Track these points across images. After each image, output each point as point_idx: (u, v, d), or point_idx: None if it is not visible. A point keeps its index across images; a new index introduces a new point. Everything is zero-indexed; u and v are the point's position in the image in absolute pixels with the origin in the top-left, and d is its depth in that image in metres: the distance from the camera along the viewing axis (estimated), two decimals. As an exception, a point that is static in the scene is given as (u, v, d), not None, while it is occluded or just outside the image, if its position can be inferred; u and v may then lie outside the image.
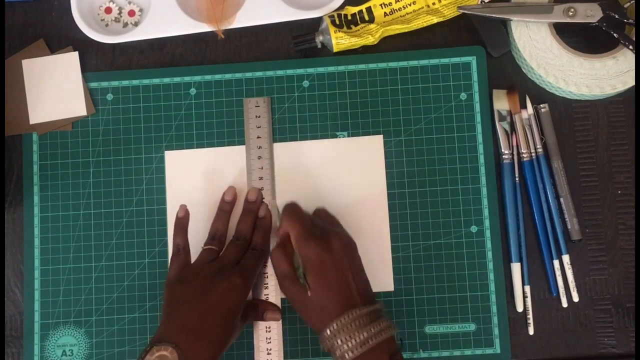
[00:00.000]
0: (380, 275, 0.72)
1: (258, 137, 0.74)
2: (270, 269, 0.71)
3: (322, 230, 0.65)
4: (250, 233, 0.71)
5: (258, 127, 0.74)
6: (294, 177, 0.74)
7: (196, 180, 0.74)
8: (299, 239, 0.64)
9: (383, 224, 0.73)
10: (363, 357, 0.59)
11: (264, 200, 0.73)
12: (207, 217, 0.73)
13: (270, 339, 0.71)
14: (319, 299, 0.63)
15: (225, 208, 0.72)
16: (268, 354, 0.71)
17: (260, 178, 0.74)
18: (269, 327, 0.71)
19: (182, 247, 0.70)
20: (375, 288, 0.67)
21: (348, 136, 0.75)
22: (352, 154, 0.74)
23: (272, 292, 0.72)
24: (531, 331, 0.72)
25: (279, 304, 0.72)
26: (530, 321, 0.72)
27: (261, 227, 0.72)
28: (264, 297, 0.72)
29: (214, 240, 0.70)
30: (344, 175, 0.74)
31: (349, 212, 0.72)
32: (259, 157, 0.74)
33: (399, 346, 0.65)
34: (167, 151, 0.74)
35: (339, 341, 0.60)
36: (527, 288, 0.72)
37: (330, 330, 0.60)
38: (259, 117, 0.75)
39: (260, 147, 0.74)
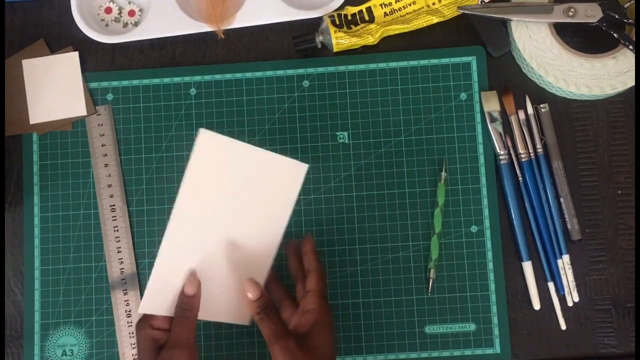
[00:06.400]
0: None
1: (103, 145, 0.75)
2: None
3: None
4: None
5: (102, 135, 0.75)
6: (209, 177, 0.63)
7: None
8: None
9: (268, 254, 0.64)
10: None
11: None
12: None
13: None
14: None
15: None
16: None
17: (109, 185, 0.74)
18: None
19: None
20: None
21: (348, 136, 0.75)
22: (272, 174, 0.64)
23: None
24: (563, 326, 0.72)
25: None
26: (560, 315, 0.72)
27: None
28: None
29: None
30: (255, 192, 0.64)
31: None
32: (106, 165, 0.74)
33: None
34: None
35: None
36: (551, 285, 0.72)
37: None
38: (101, 125, 0.75)
39: (105, 155, 0.74)
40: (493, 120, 0.73)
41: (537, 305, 0.72)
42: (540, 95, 0.75)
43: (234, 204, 0.63)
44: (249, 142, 0.75)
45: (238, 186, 0.64)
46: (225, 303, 0.63)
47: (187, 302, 0.60)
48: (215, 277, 0.63)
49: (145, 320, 0.60)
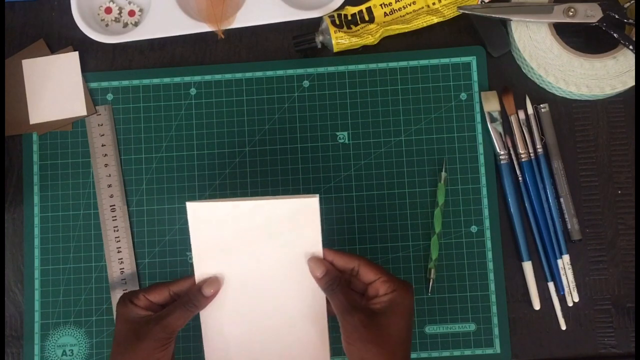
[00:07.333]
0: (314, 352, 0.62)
1: (103, 145, 0.75)
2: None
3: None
4: None
5: (102, 135, 0.75)
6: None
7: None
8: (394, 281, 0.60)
9: (319, 302, 0.61)
10: None
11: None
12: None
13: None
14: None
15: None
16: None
17: (109, 185, 0.74)
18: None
19: None
20: None
21: (348, 136, 0.75)
22: (283, 221, 0.60)
23: None
24: (563, 326, 0.72)
25: None
26: (560, 315, 0.72)
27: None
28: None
29: None
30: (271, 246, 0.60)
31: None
32: (105, 165, 0.74)
33: None
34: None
35: None
36: (551, 285, 0.72)
37: None
38: (101, 125, 0.75)
39: (105, 155, 0.74)
40: (493, 120, 0.73)
41: (537, 305, 0.72)
42: (540, 95, 0.75)
43: (259, 265, 0.60)
44: (249, 141, 0.75)
45: (254, 245, 0.60)
46: (297, 353, 0.62)
47: (198, 299, 0.59)
48: (277, 331, 0.62)
49: (128, 297, 0.60)
